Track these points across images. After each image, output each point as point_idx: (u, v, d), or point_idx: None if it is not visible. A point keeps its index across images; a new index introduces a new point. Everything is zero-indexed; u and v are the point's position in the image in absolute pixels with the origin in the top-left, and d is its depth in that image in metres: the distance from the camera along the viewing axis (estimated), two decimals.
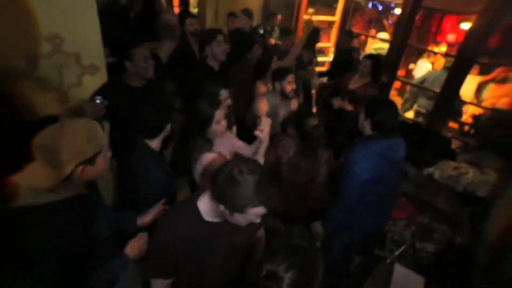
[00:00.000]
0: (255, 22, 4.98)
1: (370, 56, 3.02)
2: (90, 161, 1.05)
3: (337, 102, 2.96)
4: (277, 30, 5.10)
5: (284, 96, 2.48)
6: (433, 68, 4.56)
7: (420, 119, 4.06)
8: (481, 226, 2.08)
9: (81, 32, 2.10)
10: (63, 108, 1.99)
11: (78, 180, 1.06)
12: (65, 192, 1.05)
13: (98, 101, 1.92)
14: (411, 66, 5.21)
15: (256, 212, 1.03)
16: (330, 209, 1.83)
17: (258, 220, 1.07)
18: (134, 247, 1.22)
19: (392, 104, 1.78)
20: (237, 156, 1.71)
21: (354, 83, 3.03)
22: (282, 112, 2.49)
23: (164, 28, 2.43)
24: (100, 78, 2.24)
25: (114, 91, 1.99)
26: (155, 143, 1.61)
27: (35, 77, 2.02)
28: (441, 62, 4.55)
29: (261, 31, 4.44)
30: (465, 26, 4.92)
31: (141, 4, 4.10)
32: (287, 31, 3.58)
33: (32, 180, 0.99)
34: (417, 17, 3.56)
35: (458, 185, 2.70)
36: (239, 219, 1.06)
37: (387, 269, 1.74)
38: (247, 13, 3.71)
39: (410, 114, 4.34)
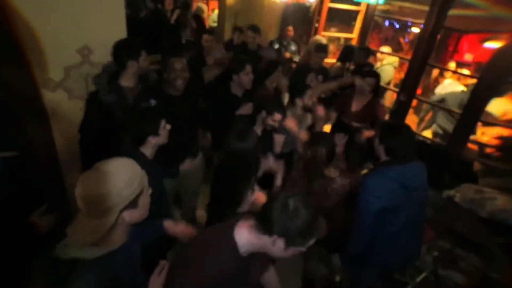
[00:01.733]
0: (273, 36, 5.06)
1: (370, 73, 2.88)
2: (133, 204, 1.01)
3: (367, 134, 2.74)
4: (292, 43, 5.15)
5: (305, 110, 2.54)
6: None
7: (438, 139, 3.98)
8: None
9: (109, 43, 2.15)
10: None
11: (123, 227, 1.04)
12: (108, 245, 1.01)
13: (152, 104, 1.97)
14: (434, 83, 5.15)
15: (309, 244, 1.02)
16: (347, 240, 1.76)
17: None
18: (158, 283, 1.10)
19: (408, 129, 1.71)
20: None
21: (357, 105, 2.91)
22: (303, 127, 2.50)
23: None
24: None
25: (152, 95, 2.02)
26: (147, 151, 1.61)
27: (65, 87, 2.08)
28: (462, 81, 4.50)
29: (276, 46, 4.50)
30: (490, 45, 4.85)
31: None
32: (322, 48, 3.46)
33: (81, 233, 0.96)
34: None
35: (481, 210, 2.59)
36: (289, 252, 1.02)
37: None
38: (254, 29, 3.70)
39: (427, 133, 4.26)
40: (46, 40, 1.94)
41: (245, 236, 1.07)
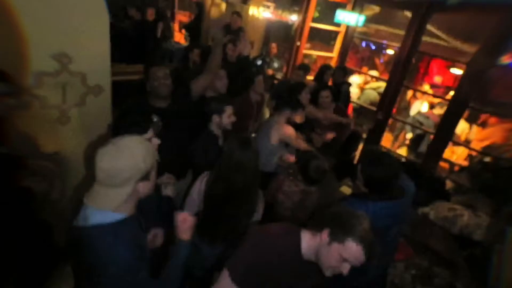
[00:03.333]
0: (255, 52, 5.13)
1: (326, 87, 3.29)
2: (147, 176, 1.10)
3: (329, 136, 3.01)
4: (274, 60, 5.26)
5: (288, 122, 2.56)
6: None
7: (412, 157, 4.16)
8: (483, 273, 2.06)
9: (90, 52, 2.07)
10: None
11: (136, 197, 1.12)
12: (125, 212, 1.10)
13: (155, 120, 1.88)
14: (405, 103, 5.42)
15: (352, 249, 1.07)
16: None
17: (346, 269, 1.10)
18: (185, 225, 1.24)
19: (391, 161, 1.55)
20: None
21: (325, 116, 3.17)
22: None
23: (211, 63, 2.39)
24: (105, 99, 2.20)
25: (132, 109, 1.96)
26: None
27: (37, 95, 1.95)
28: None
29: (259, 62, 4.57)
30: (455, 71, 5.22)
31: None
32: (305, 68, 3.71)
33: (99, 201, 1.05)
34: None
35: (453, 227, 2.70)
36: (334, 254, 1.10)
37: None
38: (234, 42, 3.76)
39: (402, 151, 4.44)
40: (16, 43, 1.82)
41: (307, 237, 1.21)
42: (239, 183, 1.52)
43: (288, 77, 3.64)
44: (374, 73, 5.29)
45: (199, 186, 1.64)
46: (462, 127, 4.27)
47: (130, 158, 1.03)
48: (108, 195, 1.04)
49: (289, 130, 2.44)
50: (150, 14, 4.54)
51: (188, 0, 6.21)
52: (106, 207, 1.04)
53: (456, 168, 4.12)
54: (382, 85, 4.75)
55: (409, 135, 4.55)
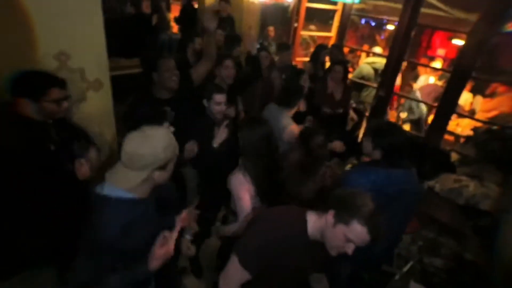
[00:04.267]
0: (253, 37, 5.06)
1: (339, 62, 3.36)
2: (164, 166, 1.18)
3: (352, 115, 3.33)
4: (272, 44, 5.19)
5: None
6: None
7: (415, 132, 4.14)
8: (491, 242, 2.08)
9: (87, 48, 2.09)
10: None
11: (150, 184, 1.20)
12: (138, 194, 1.18)
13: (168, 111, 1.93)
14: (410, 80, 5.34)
15: (357, 230, 1.10)
16: None
17: (350, 249, 1.13)
18: (161, 253, 1.20)
19: (401, 130, 1.73)
20: None
21: (337, 91, 3.33)
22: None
23: (207, 49, 2.41)
24: (105, 93, 2.23)
25: (142, 103, 1.96)
26: None
27: None
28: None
29: (257, 46, 4.53)
30: (457, 42, 5.10)
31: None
32: (285, 46, 3.61)
33: (117, 179, 1.15)
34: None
35: (460, 198, 2.72)
36: (338, 235, 1.13)
37: (399, 286, 1.72)
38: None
39: (406, 127, 4.42)
40: (20, 46, 1.86)
41: (313, 219, 1.24)
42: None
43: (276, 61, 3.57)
44: (378, 49, 5.15)
45: (244, 188, 1.66)
46: (465, 98, 4.21)
47: (152, 147, 1.12)
48: (126, 176, 1.13)
49: (296, 131, 2.44)
50: (146, 6, 4.50)
51: None
52: (121, 185, 1.15)
53: (462, 140, 4.10)
54: (377, 60, 4.70)
55: (403, 115, 4.50)
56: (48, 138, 1.63)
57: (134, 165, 1.12)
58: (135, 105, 1.91)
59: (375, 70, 4.64)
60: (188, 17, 4.92)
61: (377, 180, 1.60)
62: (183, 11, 5.07)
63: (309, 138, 1.96)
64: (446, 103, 3.26)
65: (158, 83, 2.08)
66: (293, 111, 2.51)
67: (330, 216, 1.16)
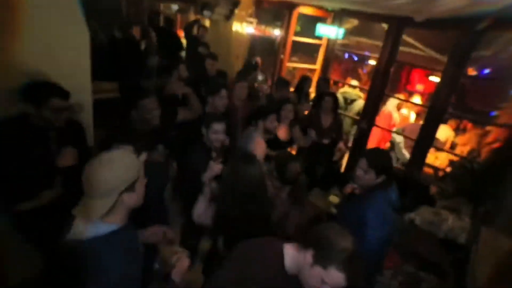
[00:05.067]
0: (240, 66, 5.22)
1: (329, 94, 3.49)
2: (131, 188, 1.14)
3: (341, 146, 3.38)
4: (259, 73, 5.33)
5: (267, 133, 2.61)
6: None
7: (398, 165, 4.23)
8: (464, 275, 2.08)
9: (69, 69, 2.08)
10: None
11: (123, 209, 1.16)
12: (116, 222, 1.14)
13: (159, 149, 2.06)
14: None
15: (334, 276, 1.07)
16: None
17: None
18: (180, 271, 1.24)
19: (388, 151, 1.87)
20: None
21: (325, 120, 3.42)
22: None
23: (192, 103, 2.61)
24: (86, 116, 2.19)
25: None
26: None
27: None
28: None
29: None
30: (434, 79, 5.41)
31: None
32: (283, 82, 3.77)
33: (85, 212, 1.10)
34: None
35: (439, 231, 2.74)
36: (315, 276, 1.10)
37: None
38: (213, 56, 3.87)
39: None
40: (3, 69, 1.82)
41: (291, 253, 1.22)
42: (251, 197, 1.54)
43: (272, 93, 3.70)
44: (354, 82, 5.40)
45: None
46: (446, 134, 4.41)
47: (112, 170, 1.08)
48: (94, 206, 1.08)
49: (261, 144, 2.45)
50: (134, 31, 4.61)
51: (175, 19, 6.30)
52: (92, 217, 1.09)
53: (441, 173, 4.21)
54: (349, 90, 4.94)
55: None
56: (47, 142, 1.74)
57: (98, 192, 1.07)
58: (112, 136, 1.88)
59: (345, 99, 4.84)
60: (171, 42, 5.04)
61: (387, 198, 1.72)
62: (165, 36, 5.18)
63: (284, 164, 1.92)
64: (424, 136, 3.38)
65: (137, 120, 2.06)
66: (260, 131, 2.54)
67: (309, 255, 1.13)
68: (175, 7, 5.97)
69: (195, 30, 4.86)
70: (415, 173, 3.40)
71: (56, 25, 1.98)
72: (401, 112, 4.90)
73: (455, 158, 3.68)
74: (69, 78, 2.03)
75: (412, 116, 5.07)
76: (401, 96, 5.11)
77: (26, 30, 1.86)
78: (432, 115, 3.32)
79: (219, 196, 1.64)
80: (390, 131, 4.53)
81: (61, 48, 2.02)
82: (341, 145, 3.44)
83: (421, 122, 4.73)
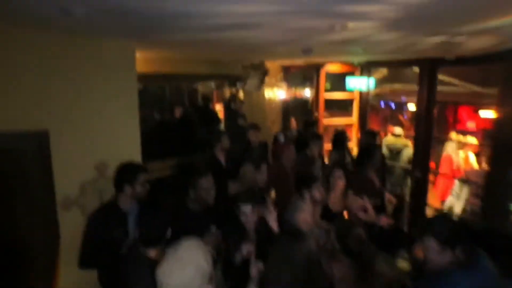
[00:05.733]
0: (276, 130, 5.36)
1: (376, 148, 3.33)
2: (211, 278, 1.17)
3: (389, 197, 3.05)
4: (294, 133, 5.39)
5: (315, 203, 2.39)
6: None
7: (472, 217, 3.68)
8: None
9: (123, 155, 2.25)
10: None
11: None
12: None
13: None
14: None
15: None
16: None
17: None
18: None
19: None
20: None
21: (376, 179, 3.01)
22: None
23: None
24: None
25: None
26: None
27: (80, 204, 2.09)
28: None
29: (281, 138, 4.72)
30: (484, 113, 5.00)
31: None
32: (316, 136, 3.69)
33: None
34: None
35: None
36: None
37: None
38: (255, 127, 3.94)
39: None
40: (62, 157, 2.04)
41: None
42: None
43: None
44: (398, 130, 5.15)
45: None
46: None
47: (195, 263, 1.07)
48: None
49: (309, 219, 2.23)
50: (177, 112, 5.08)
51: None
52: None
53: None
54: (392, 140, 4.67)
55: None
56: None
57: None
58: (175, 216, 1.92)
59: (390, 150, 4.55)
60: (209, 117, 5.42)
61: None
62: (203, 113, 5.60)
63: (346, 233, 1.76)
64: (494, 180, 2.97)
65: (195, 199, 2.08)
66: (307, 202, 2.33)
67: None
68: (212, 84, 6.57)
69: (232, 105, 5.21)
70: (496, 223, 2.90)
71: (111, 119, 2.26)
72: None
73: None
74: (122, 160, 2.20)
75: (471, 157, 4.57)
76: (453, 136, 4.72)
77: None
78: (498, 154, 2.95)
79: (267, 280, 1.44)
80: (454, 178, 4.09)
81: (115, 137, 2.26)
82: (388, 196, 3.09)
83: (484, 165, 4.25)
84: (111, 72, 2.31)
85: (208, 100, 6.00)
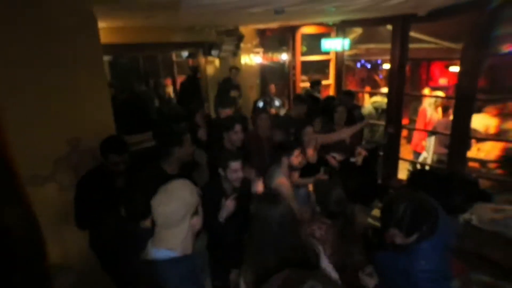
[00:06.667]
0: (254, 96, 5.33)
1: (341, 104, 3.44)
2: (196, 211, 1.24)
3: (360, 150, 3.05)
4: (275, 99, 5.41)
5: (292, 169, 2.48)
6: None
7: (440, 165, 3.93)
8: None
9: (96, 126, 2.21)
10: None
11: (191, 236, 1.24)
12: (176, 250, 1.19)
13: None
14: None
15: None
16: None
17: None
18: None
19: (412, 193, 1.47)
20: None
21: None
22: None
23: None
24: None
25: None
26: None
27: (55, 179, 2.07)
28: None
29: (261, 104, 4.72)
30: (455, 69, 5.15)
31: None
32: (299, 99, 3.73)
33: (158, 243, 1.19)
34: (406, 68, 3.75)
35: (509, 230, 2.43)
36: None
37: None
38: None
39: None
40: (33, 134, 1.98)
41: None
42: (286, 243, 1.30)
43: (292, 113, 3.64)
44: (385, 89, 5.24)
45: None
46: (485, 122, 4.08)
47: (180, 197, 1.18)
48: (172, 235, 1.18)
49: (284, 183, 2.32)
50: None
51: (186, 65, 6.67)
52: (170, 247, 1.17)
53: (493, 166, 3.84)
54: (378, 99, 4.78)
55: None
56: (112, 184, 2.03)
57: (173, 221, 1.16)
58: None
59: (376, 109, 4.68)
60: (193, 87, 5.29)
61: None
62: (188, 82, 5.46)
63: (326, 193, 1.75)
64: (457, 129, 3.15)
65: (177, 157, 2.11)
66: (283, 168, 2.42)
67: None
68: (185, 53, 6.31)
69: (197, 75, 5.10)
70: (458, 169, 3.13)
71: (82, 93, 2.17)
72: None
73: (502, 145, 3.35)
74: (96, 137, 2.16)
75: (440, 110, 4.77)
76: (426, 92, 4.87)
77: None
78: (460, 106, 3.10)
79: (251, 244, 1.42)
80: (419, 130, 4.29)
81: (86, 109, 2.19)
82: (359, 149, 3.13)
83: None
84: (69, 41, 2.14)
85: (196, 70, 5.78)
